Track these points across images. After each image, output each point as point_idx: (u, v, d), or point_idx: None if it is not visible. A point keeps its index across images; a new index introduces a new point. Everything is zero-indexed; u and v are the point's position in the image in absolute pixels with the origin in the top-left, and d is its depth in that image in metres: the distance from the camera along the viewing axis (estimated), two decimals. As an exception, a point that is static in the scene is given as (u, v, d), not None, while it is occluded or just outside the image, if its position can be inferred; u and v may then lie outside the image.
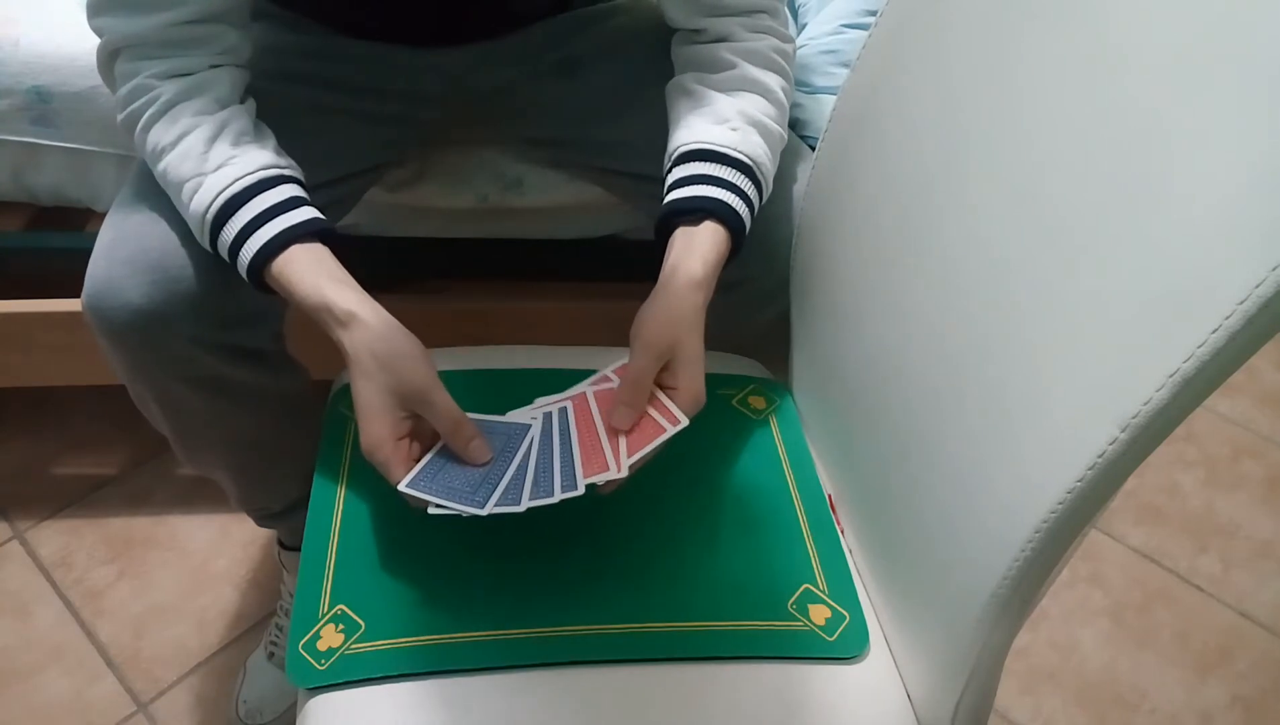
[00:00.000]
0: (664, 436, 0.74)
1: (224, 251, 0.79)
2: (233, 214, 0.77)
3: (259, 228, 0.77)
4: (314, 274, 0.77)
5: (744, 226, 0.84)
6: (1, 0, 1.17)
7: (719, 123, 0.86)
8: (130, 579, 1.33)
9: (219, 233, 0.78)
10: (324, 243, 0.79)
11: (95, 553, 1.36)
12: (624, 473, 0.73)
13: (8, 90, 1.14)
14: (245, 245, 0.77)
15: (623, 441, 0.75)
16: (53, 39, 1.14)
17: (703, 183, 0.83)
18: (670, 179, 0.86)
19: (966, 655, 0.65)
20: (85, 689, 1.21)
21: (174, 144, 0.79)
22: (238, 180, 0.78)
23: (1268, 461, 1.68)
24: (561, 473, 0.74)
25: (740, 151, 0.84)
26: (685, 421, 0.75)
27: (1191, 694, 1.33)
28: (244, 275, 0.78)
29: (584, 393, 0.81)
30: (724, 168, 0.84)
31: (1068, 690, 1.32)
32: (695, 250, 0.81)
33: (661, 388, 0.78)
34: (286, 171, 0.81)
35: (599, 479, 0.72)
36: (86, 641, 1.26)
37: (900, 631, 0.76)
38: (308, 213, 0.79)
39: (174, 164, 0.79)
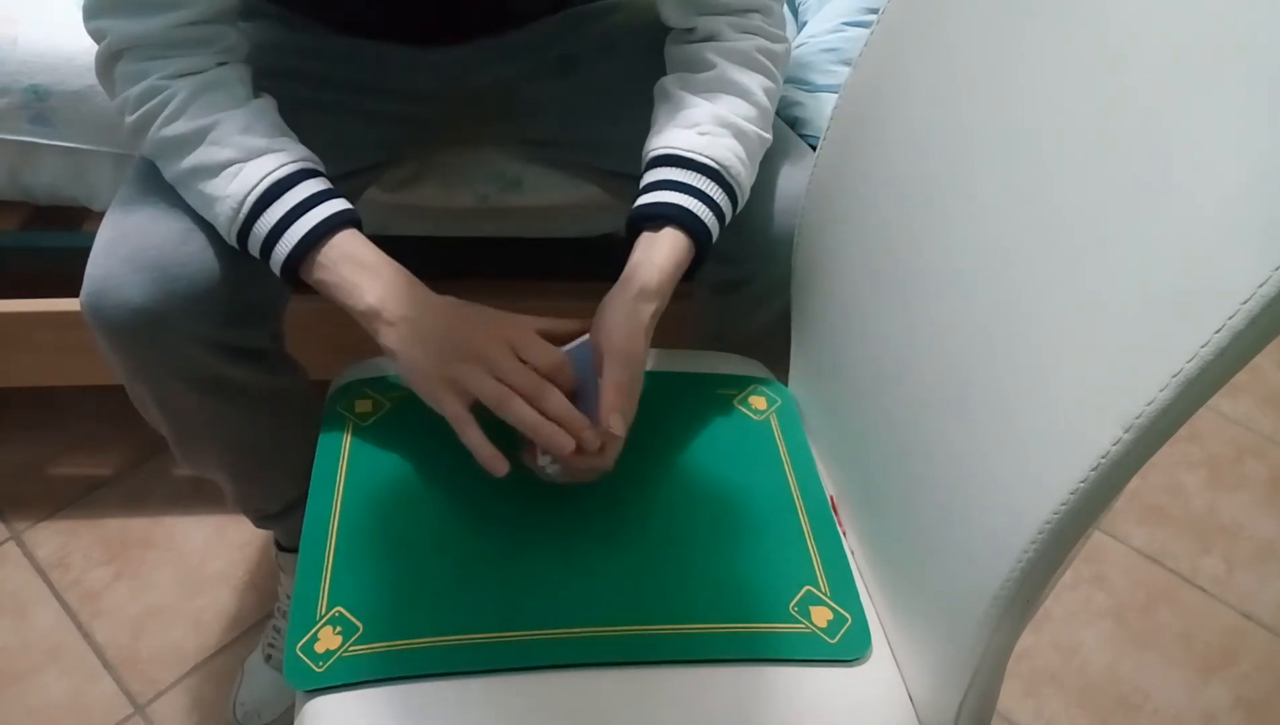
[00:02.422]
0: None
1: (257, 238, 0.80)
2: (273, 201, 0.79)
3: (302, 215, 0.79)
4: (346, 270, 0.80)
5: (708, 230, 0.85)
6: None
7: (688, 127, 0.87)
8: (128, 580, 1.33)
9: (255, 219, 0.79)
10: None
11: (92, 554, 1.36)
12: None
13: (5, 89, 1.14)
14: (285, 235, 0.79)
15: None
16: (51, 38, 1.14)
17: (666, 188, 0.85)
18: (641, 184, 0.87)
19: (969, 657, 0.65)
20: (83, 690, 1.21)
21: (204, 134, 0.80)
22: (282, 166, 0.80)
23: (1271, 462, 1.68)
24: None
25: (706, 156, 0.85)
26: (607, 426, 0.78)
27: (1194, 695, 1.33)
28: (279, 261, 0.80)
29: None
30: (689, 172, 0.85)
31: (1070, 692, 1.32)
32: (653, 258, 0.83)
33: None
34: (319, 166, 0.83)
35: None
36: (84, 643, 1.26)
37: (902, 633, 0.76)
38: (343, 204, 0.82)
39: (207, 153, 0.80)
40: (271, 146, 0.81)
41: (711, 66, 0.89)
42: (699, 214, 0.84)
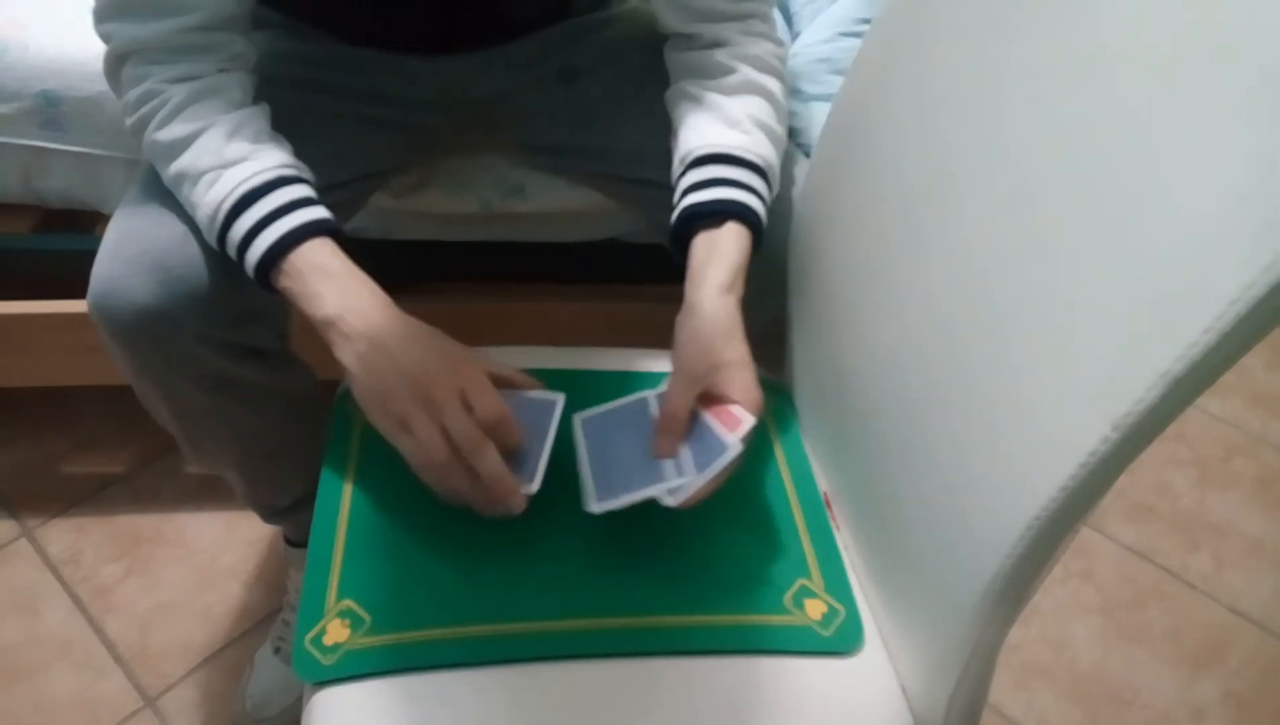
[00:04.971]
0: (742, 430, 0.75)
1: (233, 244, 0.79)
2: (247, 208, 0.78)
3: (272, 223, 0.78)
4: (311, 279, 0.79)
5: (763, 226, 0.85)
6: (11, 4, 1.18)
7: (731, 126, 0.87)
8: (138, 576, 1.34)
9: (230, 226, 0.79)
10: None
11: (103, 550, 1.36)
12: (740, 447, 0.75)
13: (17, 94, 1.15)
14: (257, 239, 0.78)
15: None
16: (62, 43, 1.15)
17: (721, 185, 0.84)
18: (685, 183, 0.86)
19: (960, 650, 0.65)
20: (93, 685, 1.22)
21: (191, 139, 0.80)
22: (257, 175, 0.79)
23: (1259, 461, 1.68)
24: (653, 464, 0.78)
25: (754, 154, 0.86)
26: (753, 420, 0.76)
27: (1184, 690, 1.33)
28: (251, 268, 0.79)
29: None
30: (739, 169, 0.85)
31: (1061, 686, 1.32)
32: (720, 253, 0.82)
33: (723, 399, 0.79)
34: (303, 174, 0.83)
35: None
36: (94, 638, 1.26)
37: (895, 626, 0.76)
38: (320, 212, 0.81)
39: (191, 159, 0.80)
40: (251, 154, 0.80)
41: (733, 70, 0.89)
42: (756, 209, 0.84)
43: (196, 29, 0.81)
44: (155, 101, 0.81)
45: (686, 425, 0.79)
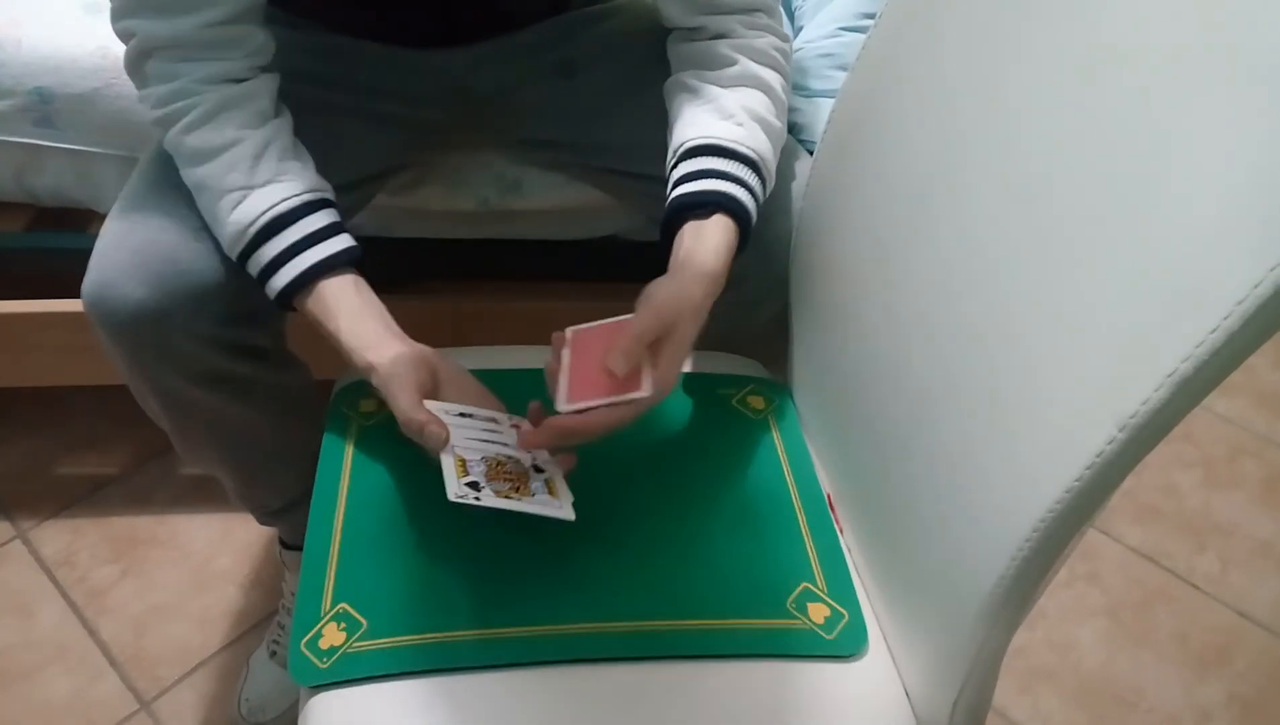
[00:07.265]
0: (620, 397, 0.76)
1: (256, 266, 0.81)
2: (274, 235, 0.80)
3: (298, 254, 0.81)
4: (334, 316, 0.82)
5: (751, 220, 0.85)
6: (4, 1, 1.17)
7: (725, 118, 0.86)
8: (133, 578, 1.33)
9: (256, 249, 0.81)
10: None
11: (98, 552, 1.36)
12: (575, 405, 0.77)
13: (10, 91, 1.15)
14: (281, 270, 0.81)
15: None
16: (55, 40, 1.15)
17: (711, 177, 0.84)
18: (676, 174, 0.86)
19: (964, 653, 0.65)
20: (87, 688, 1.21)
21: (219, 152, 0.81)
22: (285, 200, 0.81)
23: (1265, 461, 1.68)
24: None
25: (747, 146, 0.85)
26: (645, 392, 0.76)
27: (1189, 693, 1.33)
28: (273, 294, 0.82)
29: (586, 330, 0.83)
30: (731, 162, 0.85)
31: (1066, 689, 1.32)
32: (707, 243, 0.82)
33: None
34: (328, 195, 0.84)
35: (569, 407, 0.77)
36: (89, 640, 1.26)
37: (899, 630, 0.76)
38: (344, 241, 0.83)
39: (217, 172, 0.81)
40: (279, 175, 0.82)
41: (733, 62, 0.89)
42: (745, 202, 0.84)
43: (219, 24, 0.81)
44: (185, 102, 0.81)
45: (641, 353, 0.77)
